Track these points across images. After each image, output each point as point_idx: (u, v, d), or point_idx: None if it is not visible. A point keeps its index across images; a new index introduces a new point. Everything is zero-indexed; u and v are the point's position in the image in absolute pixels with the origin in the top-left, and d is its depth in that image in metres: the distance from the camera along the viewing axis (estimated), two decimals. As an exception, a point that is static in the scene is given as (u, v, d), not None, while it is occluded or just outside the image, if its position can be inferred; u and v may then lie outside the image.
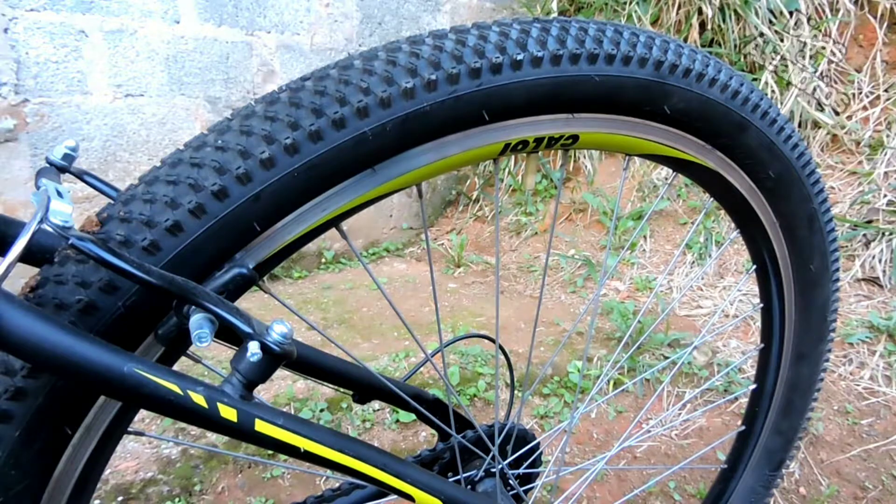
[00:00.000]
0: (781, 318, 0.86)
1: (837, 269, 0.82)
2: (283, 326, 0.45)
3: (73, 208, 0.41)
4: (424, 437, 1.55)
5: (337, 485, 0.85)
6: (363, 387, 0.81)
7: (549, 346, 1.93)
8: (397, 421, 1.56)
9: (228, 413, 0.44)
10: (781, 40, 2.68)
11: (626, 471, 1.54)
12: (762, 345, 0.91)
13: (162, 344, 0.47)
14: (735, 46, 2.70)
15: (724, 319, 2.14)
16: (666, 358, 1.86)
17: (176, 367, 0.48)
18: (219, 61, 2.22)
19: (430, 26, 2.90)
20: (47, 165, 0.52)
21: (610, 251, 2.60)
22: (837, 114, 2.67)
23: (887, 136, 2.54)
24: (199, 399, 0.42)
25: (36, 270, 0.46)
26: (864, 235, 2.30)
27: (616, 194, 2.83)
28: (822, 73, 2.68)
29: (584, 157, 2.96)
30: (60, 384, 0.43)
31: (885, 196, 2.37)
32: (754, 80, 2.64)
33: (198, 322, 0.43)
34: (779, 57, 2.67)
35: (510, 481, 0.91)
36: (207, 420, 0.43)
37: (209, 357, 1.72)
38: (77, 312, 0.43)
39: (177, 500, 1.31)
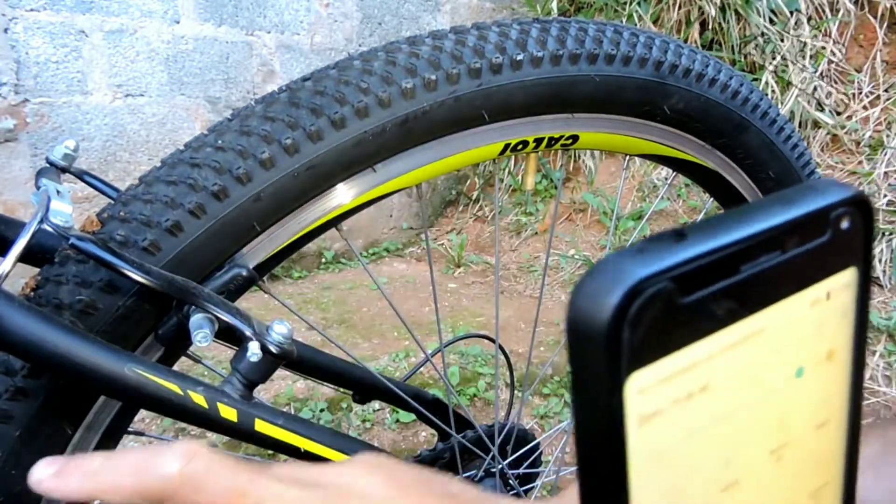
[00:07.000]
0: (781, 318, 0.86)
1: (837, 269, 0.82)
2: (283, 326, 0.45)
3: (73, 208, 0.41)
4: (424, 437, 1.55)
5: (337, 485, 0.85)
6: (363, 387, 0.81)
7: (549, 346, 1.93)
8: (397, 421, 1.56)
9: (228, 413, 0.44)
10: (782, 40, 2.67)
11: (626, 471, 1.53)
12: (762, 345, 0.91)
13: (162, 344, 0.47)
14: (735, 46, 2.70)
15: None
16: (666, 358, 1.85)
17: (176, 367, 0.48)
18: (219, 61, 2.22)
19: (430, 26, 2.90)
20: (47, 165, 0.52)
21: (610, 251, 2.59)
22: (837, 114, 2.67)
23: (887, 136, 2.54)
24: (199, 399, 0.42)
25: (36, 270, 0.46)
26: (864, 235, 2.29)
27: (616, 194, 2.83)
28: (822, 73, 2.68)
29: (584, 157, 2.96)
30: (60, 384, 0.43)
31: (885, 196, 2.36)
32: (754, 80, 2.63)
33: (198, 322, 0.43)
34: (779, 57, 2.67)
35: (510, 481, 0.91)
36: (207, 420, 0.43)
37: (209, 357, 1.72)
38: (77, 312, 0.43)
39: (177, 500, 1.30)
